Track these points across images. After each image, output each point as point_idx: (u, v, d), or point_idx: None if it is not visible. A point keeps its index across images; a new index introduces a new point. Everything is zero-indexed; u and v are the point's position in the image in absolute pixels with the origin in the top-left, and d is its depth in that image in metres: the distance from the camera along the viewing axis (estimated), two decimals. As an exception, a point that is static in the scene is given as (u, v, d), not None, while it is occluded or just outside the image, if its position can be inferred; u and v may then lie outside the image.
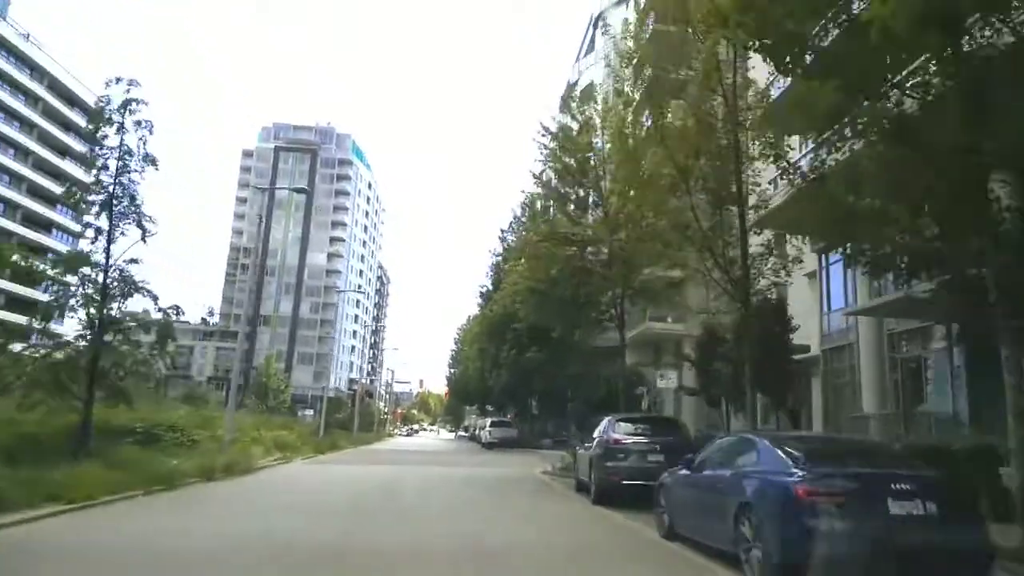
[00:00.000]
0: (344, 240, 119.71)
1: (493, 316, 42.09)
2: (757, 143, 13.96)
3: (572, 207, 20.91)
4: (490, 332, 42.18)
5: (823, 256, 20.16)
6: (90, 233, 13.74)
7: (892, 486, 5.56)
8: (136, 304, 14.70)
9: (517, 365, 39.73)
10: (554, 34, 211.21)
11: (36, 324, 13.75)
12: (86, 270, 13.44)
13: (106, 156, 13.85)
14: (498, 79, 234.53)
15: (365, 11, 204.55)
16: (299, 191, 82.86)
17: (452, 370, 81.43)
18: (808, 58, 8.87)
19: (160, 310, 13.88)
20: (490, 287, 49.09)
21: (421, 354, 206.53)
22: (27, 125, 70.68)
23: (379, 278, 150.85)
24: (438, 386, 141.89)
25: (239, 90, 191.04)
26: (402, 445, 46.76)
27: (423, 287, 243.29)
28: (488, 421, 46.02)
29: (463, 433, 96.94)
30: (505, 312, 41.12)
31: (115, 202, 13.83)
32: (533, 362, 39.51)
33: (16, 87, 69.28)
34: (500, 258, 50.23)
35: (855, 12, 8.34)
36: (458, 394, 78.25)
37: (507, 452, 37.28)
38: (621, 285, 20.53)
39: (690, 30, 14.21)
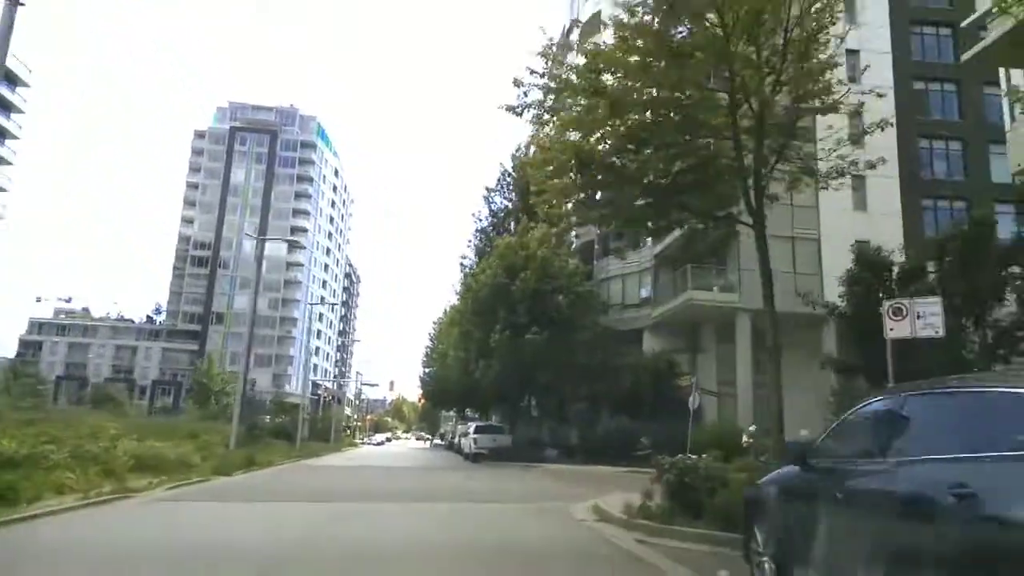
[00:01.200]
0: (307, 230, 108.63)
1: (479, 289, 32.20)
2: None
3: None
4: (476, 310, 32.26)
5: None
6: None
7: None
8: None
9: (512, 350, 29.88)
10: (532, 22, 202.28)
11: None
12: None
13: None
14: (480, 78, 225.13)
15: (338, 9, 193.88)
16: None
17: (426, 369, 71.02)
18: None
19: None
20: (474, 259, 39.23)
21: (393, 361, 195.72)
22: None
23: (347, 275, 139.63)
24: (412, 394, 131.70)
25: (214, 78, 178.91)
26: (363, 457, 36.51)
27: (398, 293, 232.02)
28: (472, 426, 36.01)
29: (439, 441, 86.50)
30: (495, 284, 31.30)
31: None
32: (533, 346, 29.68)
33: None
34: (487, 222, 40.47)
35: None
36: (434, 396, 67.83)
37: (501, 467, 27.34)
38: (773, 134, 10.19)
39: None
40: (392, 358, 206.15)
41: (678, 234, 30.41)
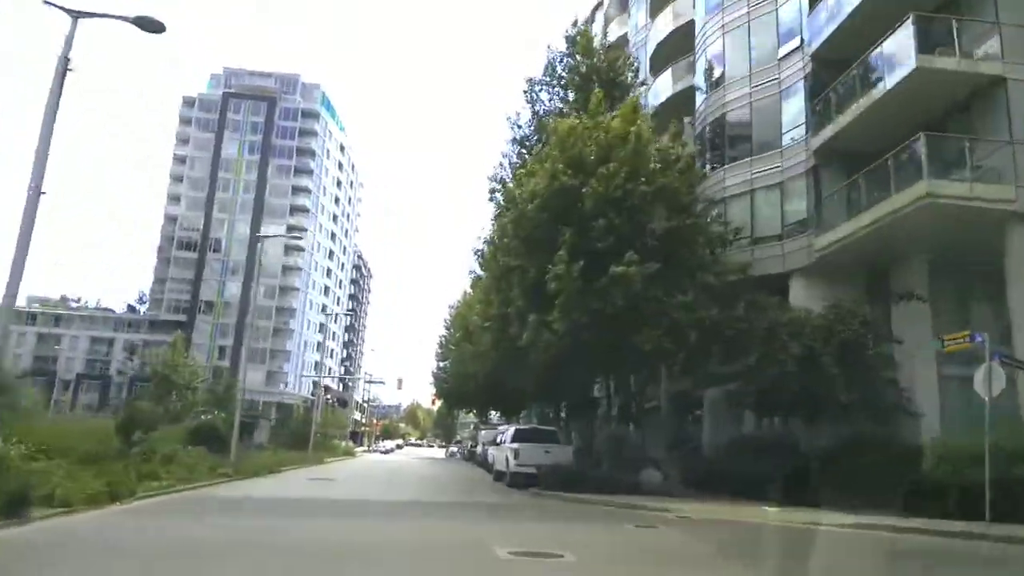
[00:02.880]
0: (308, 211, 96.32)
1: (526, 201, 19.22)
2: None
3: None
4: (523, 233, 19.34)
5: None
6: None
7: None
8: None
9: (586, 294, 16.91)
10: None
11: None
12: None
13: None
14: (492, 67, 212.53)
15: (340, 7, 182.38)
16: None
17: (441, 364, 58.12)
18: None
19: None
20: (508, 178, 26.21)
21: (408, 365, 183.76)
22: None
23: (356, 267, 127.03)
24: (426, 399, 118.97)
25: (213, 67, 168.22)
26: (337, 481, 23.58)
27: (410, 295, 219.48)
28: (510, 431, 22.97)
29: (454, 449, 73.50)
30: (555, 188, 18.45)
31: None
32: (626, 287, 16.64)
33: None
34: (529, 129, 27.61)
35: None
36: (450, 395, 55.04)
37: (589, 513, 14.36)
38: None
39: None
40: (405, 361, 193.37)
41: (884, 88, 17.48)
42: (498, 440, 25.54)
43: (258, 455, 24.33)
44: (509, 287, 19.40)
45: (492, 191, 26.31)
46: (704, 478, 20.12)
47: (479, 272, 25.93)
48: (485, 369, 26.35)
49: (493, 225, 24.01)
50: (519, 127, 27.48)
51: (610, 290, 16.91)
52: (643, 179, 18.18)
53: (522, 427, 24.35)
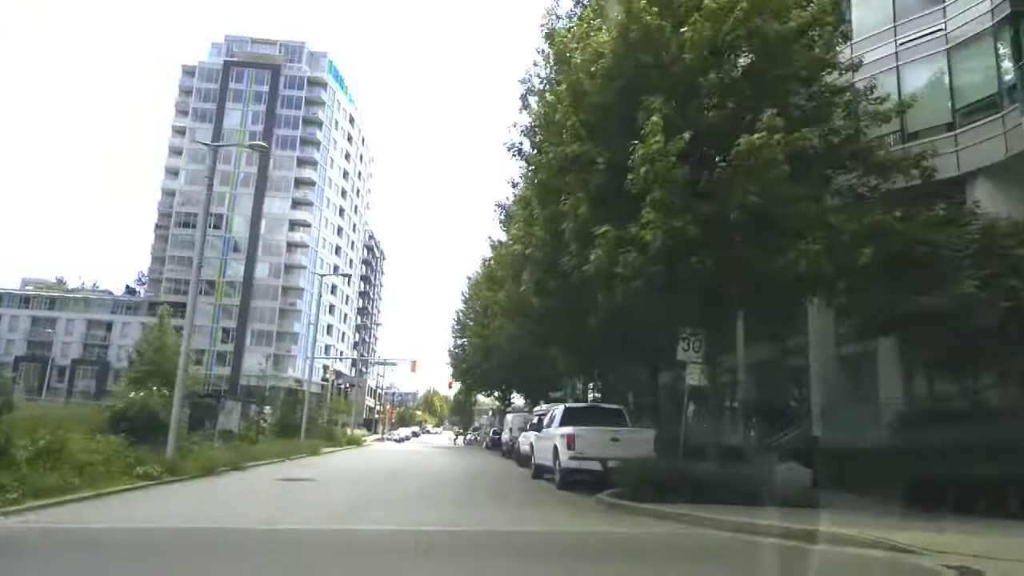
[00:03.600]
0: (315, 184, 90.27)
1: (586, 62, 12.68)
2: None
3: None
4: (583, 114, 12.79)
5: None
6: None
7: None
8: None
9: (692, 197, 10.40)
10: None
11: None
12: None
13: None
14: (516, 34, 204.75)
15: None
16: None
17: (458, 341, 52.03)
18: None
19: None
20: (538, 82, 19.48)
21: (425, 356, 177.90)
22: None
23: (368, 247, 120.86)
24: (442, 386, 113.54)
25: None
26: (312, 481, 17.50)
27: (432, 283, 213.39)
28: (558, 409, 16.64)
29: (472, 437, 67.48)
30: (633, 37, 11.88)
31: None
32: (761, 172, 10.16)
33: None
34: (568, 21, 20.94)
35: None
36: (468, 375, 49.11)
37: (759, 563, 7.88)
38: None
39: None
40: (421, 349, 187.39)
41: None
42: (537, 424, 19.23)
43: (218, 446, 18.22)
44: (561, 194, 12.93)
45: (524, 96, 19.77)
46: (829, 473, 13.83)
47: (524, 164, 18.99)
48: (514, 329, 19.97)
49: (531, 118, 17.54)
50: (558, 18, 20.85)
51: (732, 184, 10.46)
52: (771, 15, 11.66)
53: (574, 405, 17.95)
